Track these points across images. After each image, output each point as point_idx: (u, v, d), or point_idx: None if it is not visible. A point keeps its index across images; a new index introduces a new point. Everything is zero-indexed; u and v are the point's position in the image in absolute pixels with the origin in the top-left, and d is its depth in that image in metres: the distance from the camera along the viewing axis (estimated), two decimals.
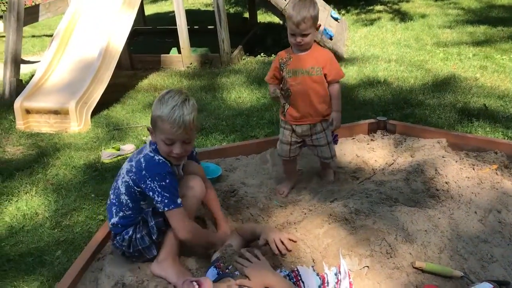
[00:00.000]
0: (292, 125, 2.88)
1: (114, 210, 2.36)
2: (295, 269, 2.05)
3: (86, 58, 4.97)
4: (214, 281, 1.94)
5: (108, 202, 2.40)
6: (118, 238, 2.37)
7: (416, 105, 4.30)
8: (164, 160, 2.26)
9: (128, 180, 2.30)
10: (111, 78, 4.90)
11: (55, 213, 3.01)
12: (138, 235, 2.32)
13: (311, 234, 2.24)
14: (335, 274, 2.08)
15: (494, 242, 2.35)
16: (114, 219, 2.37)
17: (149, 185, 2.20)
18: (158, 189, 2.19)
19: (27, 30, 8.72)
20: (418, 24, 7.46)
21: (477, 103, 4.21)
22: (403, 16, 8.11)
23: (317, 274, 2.06)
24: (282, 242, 2.21)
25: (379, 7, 9.07)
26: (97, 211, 2.98)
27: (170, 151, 2.22)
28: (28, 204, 3.12)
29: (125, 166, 2.35)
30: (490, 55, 5.63)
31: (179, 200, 2.22)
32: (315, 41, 2.84)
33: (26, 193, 3.28)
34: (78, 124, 4.45)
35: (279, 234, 2.25)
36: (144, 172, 2.23)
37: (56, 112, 4.54)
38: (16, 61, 5.44)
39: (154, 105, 2.21)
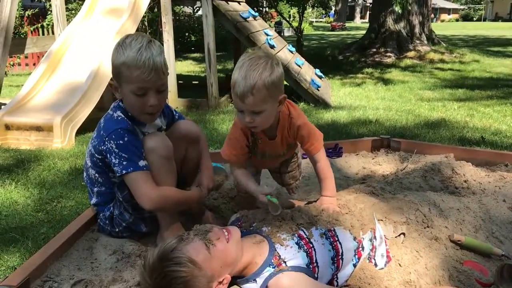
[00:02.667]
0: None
1: (90, 189, 2.10)
2: (332, 229, 1.82)
3: (75, 81, 4.82)
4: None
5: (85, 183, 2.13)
6: (101, 216, 2.08)
7: (414, 137, 4.26)
8: (123, 117, 1.93)
9: (91, 148, 2.00)
10: (94, 113, 4.69)
11: (39, 201, 2.69)
12: (117, 212, 2.03)
13: (342, 198, 2.03)
14: (370, 240, 1.86)
15: None
16: (94, 199, 2.10)
17: (107, 146, 1.88)
18: (115, 150, 1.86)
19: None
20: (399, 87, 7.70)
21: (474, 136, 4.20)
22: (384, 81, 8.40)
23: (354, 238, 1.83)
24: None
25: (360, 75, 9.40)
26: (88, 199, 2.66)
27: (143, 104, 1.88)
28: (6, 195, 2.78)
29: None
30: (474, 107, 5.77)
31: (141, 162, 1.87)
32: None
33: (3, 188, 2.94)
34: (61, 141, 4.19)
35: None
36: (102, 132, 1.92)
37: (38, 129, 4.28)
38: None
39: (114, 53, 1.88)
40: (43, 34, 11.42)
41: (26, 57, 11.52)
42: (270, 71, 1.77)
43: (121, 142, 1.87)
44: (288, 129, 2.02)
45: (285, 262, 1.67)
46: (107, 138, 1.89)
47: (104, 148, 1.91)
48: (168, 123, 2.25)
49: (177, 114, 2.32)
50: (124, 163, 1.85)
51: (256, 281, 1.67)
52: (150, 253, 1.52)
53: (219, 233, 1.62)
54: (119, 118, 1.94)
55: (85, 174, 2.12)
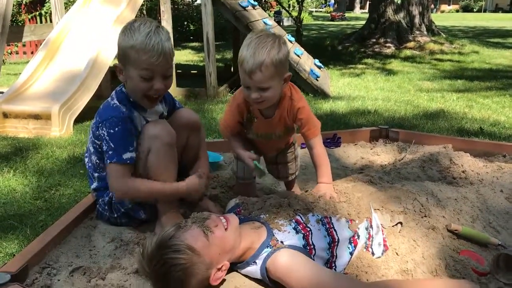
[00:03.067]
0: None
1: (91, 174, 2.11)
2: (328, 216, 1.83)
3: (74, 69, 4.80)
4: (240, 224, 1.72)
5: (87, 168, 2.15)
6: (100, 201, 2.09)
7: (412, 128, 4.26)
8: (118, 105, 1.93)
9: (91, 135, 2.02)
10: (92, 102, 4.69)
11: (37, 189, 2.69)
12: (115, 197, 2.03)
13: (340, 187, 2.03)
14: (366, 229, 1.87)
15: None
16: (94, 184, 2.11)
17: (100, 133, 1.91)
18: (106, 137, 1.89)
19: None
20: (398, 78, 7.68)
21: (472, 127, 4.21)
22: (384, 72, 8.38)
23: (349, 227, 1.84)
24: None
25: (359, 65, 9.37)
26: (88, 184, 2.66)
27: (149, 87, 1.90)
28: (5, 183, 2.78)
29: None
30: (473, 98, 5.77)
31: (126, 155, 1.87)
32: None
33: (2, 176, 2.93)
34: (60, 129, 4.18)
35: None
36: (98, 118, 1.95)
37: (36, 117, 4.26)
38: None
39: (121, 36, 1.89)
40: (41, 22, 11.35)
41: (24, 45, 11.45)
42: (278, 49, 1.83)
43: (111, 131, 1.89)
44: (288, 110, 2.06)
45: (282, 243, 1.69)
46: (100, 125, 1.92)
47: (98, 134, 1.95)
48: (169, 110, 2.25)
49: (177, 103, 2.32)
50: (110, 152, 1.88)
51: (256, 263, 1.68)
52: (148, 242, 1.53)
53: (217, 220, 1.63)
54: (114, 105, 1.95)
55: (87, 159, 2.13)
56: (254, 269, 1.68)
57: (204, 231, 1.57)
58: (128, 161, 1.88)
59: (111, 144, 1.88)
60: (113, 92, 2.03)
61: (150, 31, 1.84)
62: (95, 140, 1.98)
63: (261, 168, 2.05)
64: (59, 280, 1.66)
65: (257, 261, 1.67)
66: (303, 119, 2.05)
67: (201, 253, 1.53)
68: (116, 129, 1.88)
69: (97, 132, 1.94)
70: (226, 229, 1.63)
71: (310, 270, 1.57)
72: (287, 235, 1.71)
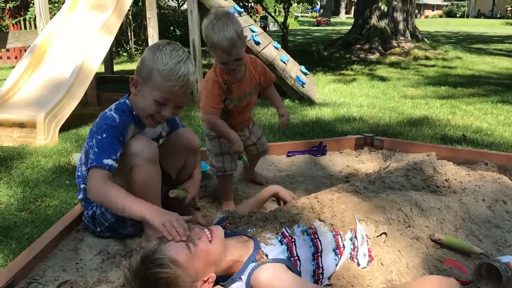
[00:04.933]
0: None
1: (79, 185, 2.11)
2: (313, 226, 1.85)
3: (59, 76, 4.76)
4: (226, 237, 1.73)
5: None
6: (85, 213, 2.09)
7: (396, 135, 4.32)
8: (113, 115, 1.93)
9: (85, 146, 2.02)
10: (78, 109, 4.68)
11: (23, 200, 2.66)
12: (99, 211, 2.03)
13: (325, 198, 2.05)
14: (351, 239, 1.90)
15: (506, 228, 2.24)
16: (81, 195, 2.10)
17: (93, 142, 1.91)
18: (95, 144, 1.88)
19: None
20: (383, 84, 7.77)
21: (455, 134, 4.27)
22: (369, 78, 8.46)
23: (333, 236, 1.86)
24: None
25: (345, 71, 9.45)
26: (75, 195, 2.64)
27: (158, 111, 1.92)
28: None
29: None
30: (456, 105, 5.85)
31: (107, 161, 1.84)
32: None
33: None
34: (45, 138, 4.14)
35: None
36: (93, 128, 1.97)
37: (21, 125, 4.23)
38: None
39: (150, 54, 1.90)
40: (24, 28, 11.24)
41: (7, 50, 11.33)
42: (237, 24, 2.25)
43: (99, 137, 1.90)
44: (253, 67, 2.55)
45: (266, 256, 1.70)
46: (93, 134, 1.94)
47: (90, 144, 1.95)
48: (170, 130, 2.29)
49: (179, 122, 2.36)
50: (92, 157, 1.87)
51: (241, 279, 1.69)
52: (134, 258, 1.54)
53: (200, 233, 1.64)
54: (109, 115, 1.96)
55: (77, 170, 2.13)
56: (240, 286, 1.69)
57: (187, 244, 1.58)
58: (107, 167, 1.84)
59: (95, 149, 1.87)
60: (115, 103, 2.05)
61: (181, 60, 1.87)
62: (89, 150, 1.97)
63: (246, 159, 2.54)
64: None
65: (242, 277, 1.68)
66: (265, 70, 2.63)
67: (184, 265, 1.53)
68: (104, 135, 1.89)
69: (90, 143, 1.95)
70: (210, 241, 1.64)
71: (292, 284, 1.59)
72: (272, 248, 1.73)
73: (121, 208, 1.77)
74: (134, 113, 2.00)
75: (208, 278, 1.62)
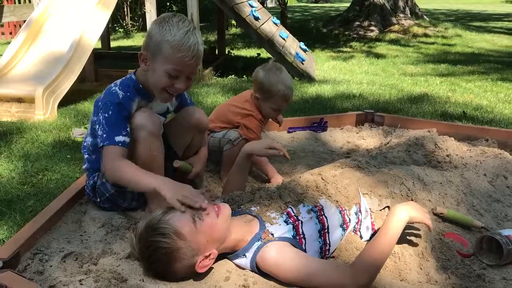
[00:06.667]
0: None
1: (84, 155, 2.13)
2: (319, 203, 1.86)
3: (57, 51, 4.70)
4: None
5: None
6: (87, 183, 2.09)
7: (396, 112, 4.31)
8: (116, 90, 1.93)
9: (92, 118, 2.02)
10: (76, 85, 4.64)
11: (24, 174, 2.66)
12: (99, 181, 2.03)
13: (328, 174, 2.05)
14: (355, 213, 1.91)
15: (507, 202, 2.26)
16: (85, 165, 2.12)
17: (98, 118, 1.92)
18: (102, 121, 1.89)
19: None
20: (383, 61, 7.73)
21: (455, 111, 4.27)
22: (368, 55, 8.41)
23: (340, 212, 1.87)
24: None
25: (344, 48, 9.39)
26: (76, 169, 2.65)
27: (171, 85, 1.91)
28: None
29: None
30: (456, 82, 5.84)
31: (118, 138, 1.85)
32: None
33: None
34: (44, 113, 4.12)
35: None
36: (99, 103, 1.96)
37: (19, 100, 4.19)
38: None
39: (157, 28, 1.86)
40: (19, 2, 11.06)
41: (1, 25, 11.16)
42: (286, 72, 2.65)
43: (106, 115, 1.89)
44: None
45: (272, 235, 1.71)
46: (99, 110, 1.93)
47: (95, 119, 1.94)
48: (179, 106, 2.27)
49: (188, 98, 2.34)
50: (104, 135, 1.87)
51: (245, 255, 1.70)
52: (140, 223, 1.56)
53: (209, 208, 1.64)
54: (113, 91, 1.95)
55: (84, 140, 2.15)
56: (244, 262, 1.70)
57: (194, 218, 1.58)
58: (120, 144, 1.86)
59: (105, 127, 1.88)
60: (121, 79, 2.03)
61: (189, 31, 1.84)
62: (94, 124, 1.98)
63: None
64: (51, 266, 1.66)
65: (247, 254, 1.69)
66: None
67: (187, 238, 1.54)
68: (110, 112, 1.89)
69: (95, 118, 1.95)
70: (217, 216, 1.64)
71: (298, 261, 1.60)
72: (278, 227, 1.73)
73: (134, 182, 1.78)
74: (140, 86, 1.99)
75: (209, 254, 1.61)
